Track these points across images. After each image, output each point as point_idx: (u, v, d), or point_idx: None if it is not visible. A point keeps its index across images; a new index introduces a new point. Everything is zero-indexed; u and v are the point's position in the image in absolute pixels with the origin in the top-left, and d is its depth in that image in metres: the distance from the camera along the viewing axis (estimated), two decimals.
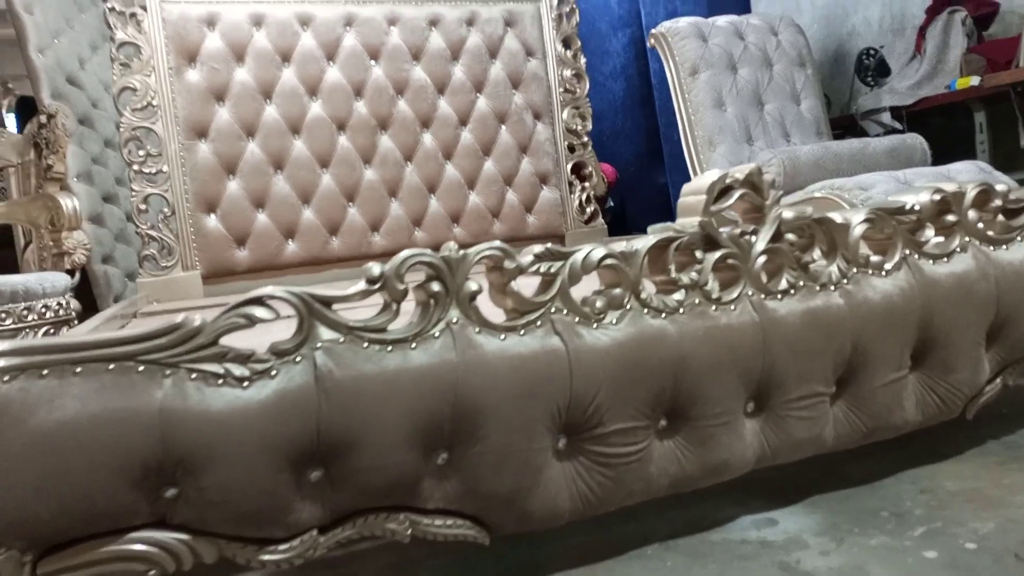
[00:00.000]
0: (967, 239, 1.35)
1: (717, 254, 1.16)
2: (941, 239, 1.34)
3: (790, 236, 1.21)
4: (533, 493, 1.02)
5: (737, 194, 1.18)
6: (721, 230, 1.17)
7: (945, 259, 1.32)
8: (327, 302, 0.91)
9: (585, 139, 3.19)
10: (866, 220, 1.26)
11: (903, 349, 1.28)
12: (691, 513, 1.25)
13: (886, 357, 1.26)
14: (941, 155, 2.96)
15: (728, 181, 1.17)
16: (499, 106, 3.00)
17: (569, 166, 3.15)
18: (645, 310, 1.10)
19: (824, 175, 2.61)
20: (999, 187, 1.39)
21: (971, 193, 1.35)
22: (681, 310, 1.12)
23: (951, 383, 1.33)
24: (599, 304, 1.08)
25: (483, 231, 2.97)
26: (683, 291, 1.13)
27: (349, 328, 0.91)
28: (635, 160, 4.24)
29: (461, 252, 1.00)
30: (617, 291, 1.09)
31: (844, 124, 3.59)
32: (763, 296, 1.18)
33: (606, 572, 1.09)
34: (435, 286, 0.97)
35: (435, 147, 2.91)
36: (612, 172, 4.08)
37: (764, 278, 1.19)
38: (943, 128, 3.36)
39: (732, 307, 1.16)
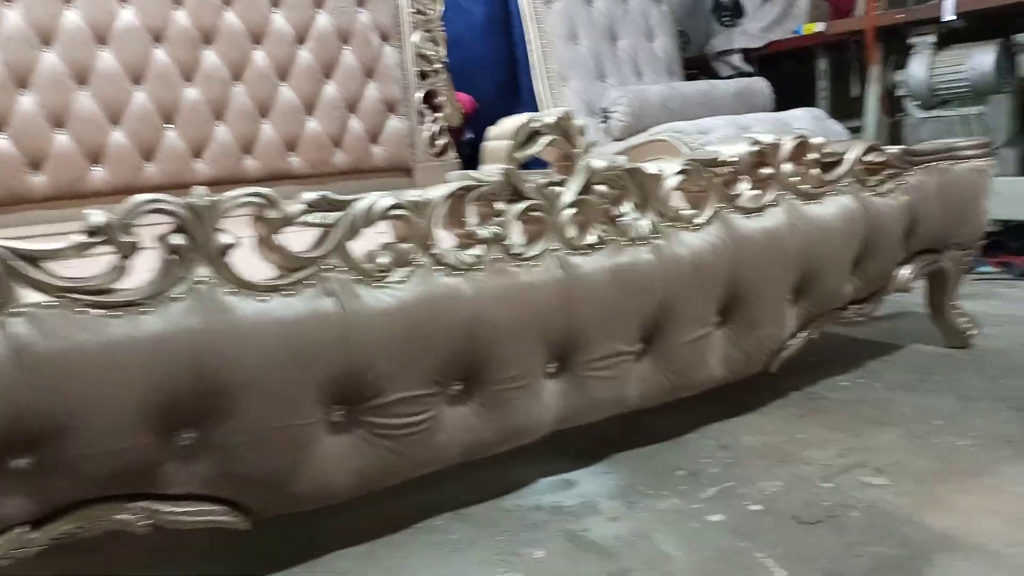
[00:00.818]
0: (781, 193, 1.33)
1: (521, 206, 1.08)
2: (756, 192, 1.32)
3: (600, 188, 1.14)
4: (300, 472, 0.93)
5: (545, 140, 1.09)
6: (527, 179, 1.09)
7: (758, 213, 1.30)
8: (32, 258, 0.76)
9: (438, 66, 3.01)
10: (680, 172, 1.21)
11: (710, 305, 1.26)
12: (489, 477, 1.20)
13: (693, 314, 1.24)
14: (786, 100, 3.00)
15: (535, 126, 1.08)
16: (342, 24, 2.78)
17: (420, 94, 2.97)
18: (437, 267, 1.01)
19: (671, 116, 2.58)
20: (816, 140, 1.37)
21: (787, 146, 1.33)
22: (479, 267, 1.04)
23: (756, 338, 1.33)
24: (383, 260, 0.97)
25: (323, 160, 2.78)
26: (482, 246, 1.05)
27: (60, 289, 0.77)
28: (495, 90, 4.10)
29: (210, 198, 0.86)
30: (405, 246, 0.99)
31: (699, 65, 3.59)
32: (569, 251, 1.12)
33: (386, 549, 1.02)
34: (177, 238, 0.84)
35: (268, 65, 2.66)
36: (470, 102, 3.92)
37: (571, 232, 1.13)
38: (792, 73, 3.41)
39: (535, 263, 1.08)
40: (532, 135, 1.09)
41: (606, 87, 2.84)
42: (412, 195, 1.00)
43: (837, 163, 1.41)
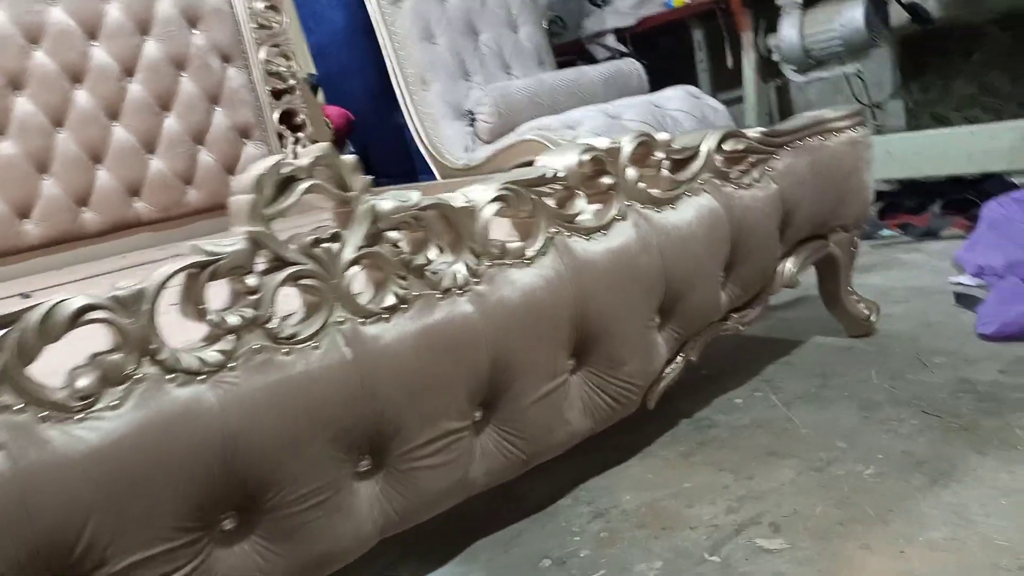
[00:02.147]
0: (627, 203, 1.12)
1: (282, 275, 0.83)
2: (597, 208, 1.10)
3: (393, 234, 0.91)
4: None
5: (303, 187, 0.85)
6: (291, 240, 0.85)
7: (602, 232, 1.08)
8: None
9: (292, 82, 2.74)
10: (497, 199, 0.98)
11: (558, 351, 1.04)
12: None
13: (538, 365, 1.01)
14: (666, 78, 2.82)
15: (287, 171, 0.84)
16: (174, 49, 2.48)
17: (276, 115, 2.69)
18: (169, 376, 0.76)
19: (541, 111, 2.36)
20: (660, 136, 1.16)
21: (627, 148, 1.11)
22: (231, 365, 0.79)
23: (622, 378, 1.11)
24: (84, 383, 0.72)
25: (173, 202, 2.47)
26: (231, 337, 0.80)
27: None
28: (370, 99, 3.82)
29: None
30: (116, 356, 0.74)
31: (576, 50, 3.39)
32: (361, 321, 0.88)
33: None
34: None
35: (95, 105, 2.35)
36: (342, 115, 3.65)
37: (362, 296, 0.89)
38: (669, 49, 3.23)
39: (313, 345, 0.84)
40: (286, 183, 0.84)
41: (471, 86, 2.60)
42: (121, 288, 0.75)
43: (691, 158, 1.20)
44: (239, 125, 2.59)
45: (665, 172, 1.16)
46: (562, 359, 1.04)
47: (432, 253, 0.93)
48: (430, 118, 2.51)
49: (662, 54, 3.19)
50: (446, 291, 0.94)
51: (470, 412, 0.96)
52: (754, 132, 1.27)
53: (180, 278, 0.77)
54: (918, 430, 1.12)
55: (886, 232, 2.21)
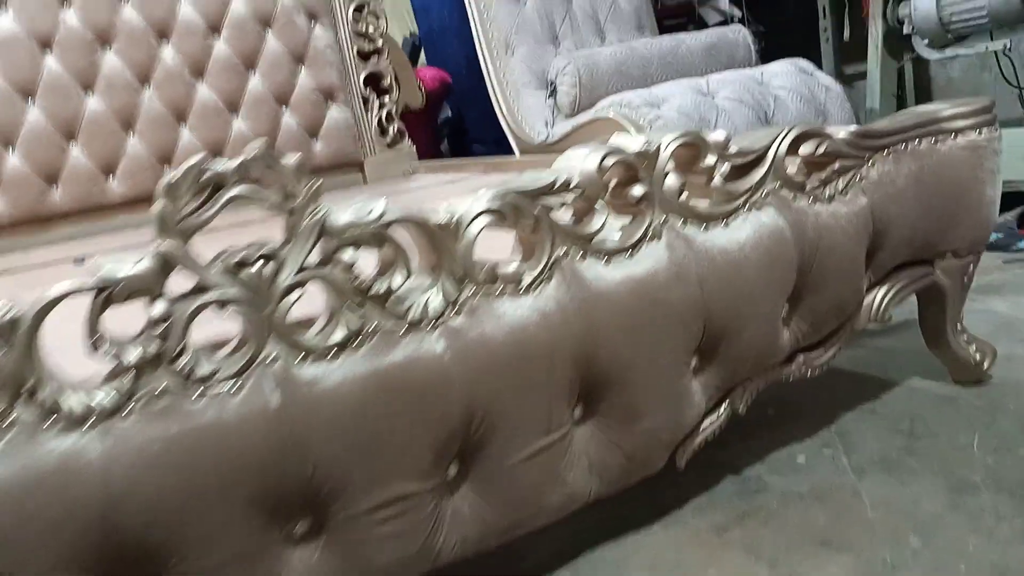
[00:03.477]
0: (663, 219, 0.90)
1: (197, 302, 0.68)
2: (625, 221, 0.89)
3: (347, 254, 0.74)
4: None
5: (231, 194, 0.69)
6: (216, 258, 0.69)
7: (626, 255, 0.87)
8: None
9: (379, 43, 2.61)
10: (487, 212, 0.80)
11: (554, 401, 0.85)
12: None
13: (525, 418, 0.83)
14: (786, 49, 2.50)
15: (210, 176, 0.68)
16: (261, 5, 2.39)
17: (362, 77, 2.58)
18: (47, 424, 0.63)
19: (630, 83, 2.12)
20: (713, 135, 0.93)
21: (667, 150, 0.89)
22: (125, 411, 0.66)
23: (642, 432, 0.91)
24: None
25: None
26: (131, 375, 0.66)
27: None
28: (467, 62, 3.64)
29: None
30: None
31: (685, 12, 3.08)
32: (298, 360, 0.72)
33: None
34: None
35: (180, 63, 2.30)
36: (437, 78, 3.49)
37: (302, 330, 0.73)
38: (794, 15, 2.88)
39: (233, 388, 0.69)
40: (215, 189, 0.69)
41: (560, 52, 2.38)
42: None
43: (755, 164, 0.96)
44: (323, 86, 2.49)
45: (719, 181, 0.93)
46: (561, 410, 0.85)
47: (398, 278, 0.76)
48: (512, 87, 2.31)
49: (785, 20, 2.84)
50: (413, 324, 0.76)
51: (436, 472, 0.79)
52: (843, 132, 1.01)
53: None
54: (1020, 534, 0.86)
55: None
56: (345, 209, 0.73)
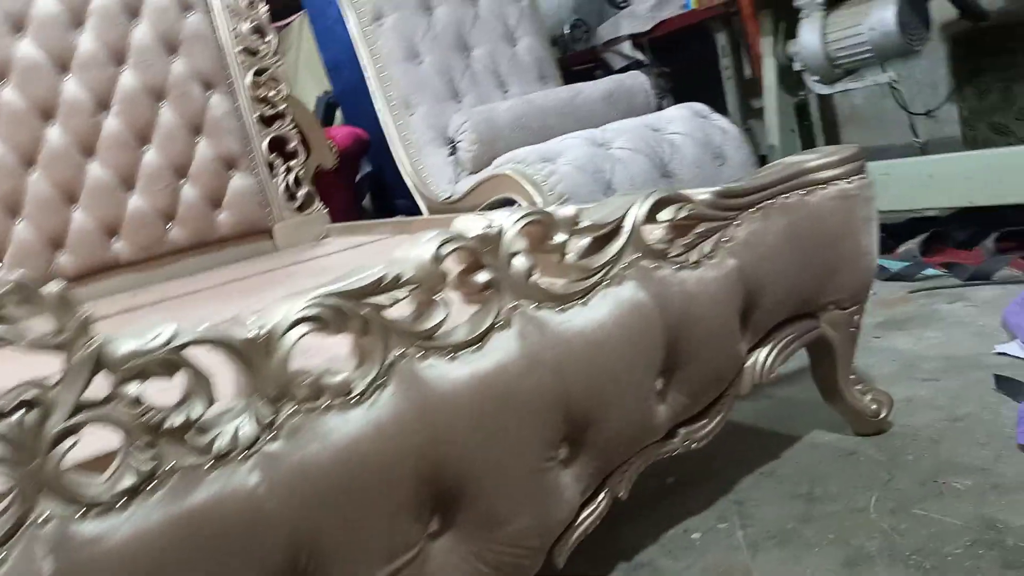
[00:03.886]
0: (513, 305, 0.83)
1: None
2: (473, 311, 0.82)
3: (131, 387, 0.65)
4: None
5: None
6: None
7: (473, 349, 0.80)
8: None
9: (281, 107, 2.54)
10: (304, 321, 0.72)
11: (399, 520, 0.76)
12: None
13: (365, 543, 0.74)
14: (687, 88, 2.50)
15: None
16: (152, 78, 2.31)
17: (265, 143, 2.50)
18: None
19: (529, 136, 2.08)
20: (563, 212, 0.87)
21: (511, 231, 0.83)
22: None
23: (507, 538, 0.83)
24: None
25: (155, 241, 2.30)
26: None
27: None
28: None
29: None
30: None
31: (593, 58, 3.08)
32: (77, 517, 0.63)
33: None
34: None
35: (67, 142, 2.20)
36: (351, 135, 3.43)
37: (82, 481, 0.64)
38: (695, 56, 2.89)
39: None
40: None
41: (461, 108, 2.34)
42: None
43: (611, 236, 0.91)
44: (224, 155, 2.41)
45: (572, 257, 0.87)
46: (409, 528, 0.76)
47: (198, 407, 0.67)
48: (415, 145, 2.26)
49: (688, 62, 2.85)
50: (221, 457, 0.67)
51: None
52: (704, 194, 0.96)
53: None
54: None
55: (930, 271, 1.84)
56: (127, 336, 0.64)
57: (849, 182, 1.05)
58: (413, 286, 0.76)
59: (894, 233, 2.05)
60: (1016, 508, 0.92)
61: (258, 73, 2.49)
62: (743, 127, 2.60)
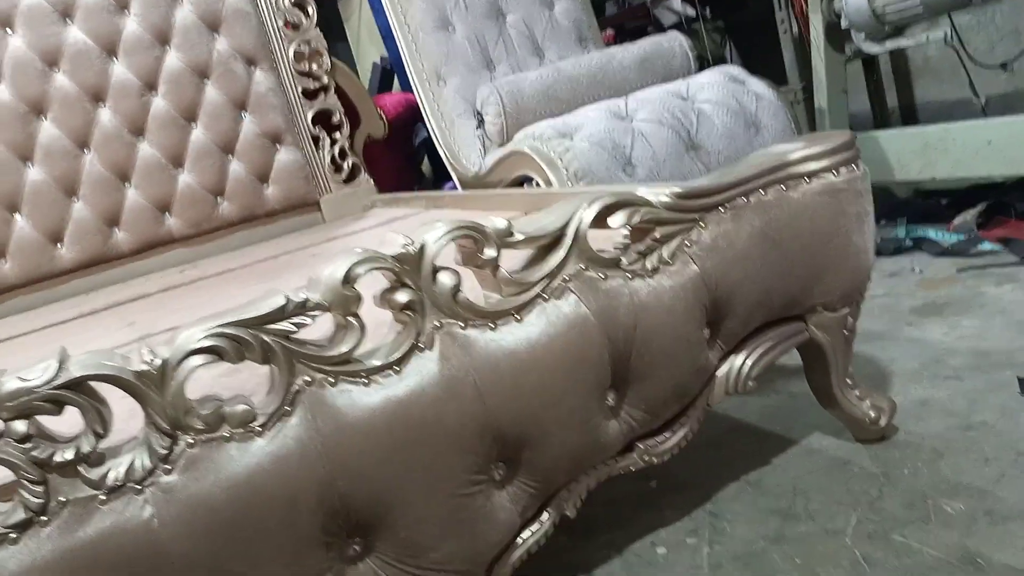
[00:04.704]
0: (438, 324, 0.79)
1: None
2: (399, 330, 0.79)
3: (19, 425, 0.65)
4: None
5: None
6: None
7: (390, 372, 0.77)
8: None
9: (325, 80, 2.55)
10: (202, 352, 0.70)
11: (305, 551, 0.74)
12: None
13: None
14: (744, 44, 2.34)
15: None
16: (196, 58, 2.35)
17: (309, 116, 2.52)
18: None
19: (559, 107, 2.00)
20: (494, 224, 0.81)
21: (432, 248, 0.78)
22: None
23: (431, 565, 0.81)
24: None
25: (205, 217, 2.37)
26: None
27: None
28: None
29: None
30: None
31: (643, 14, 2.92)
32: None
33: None
34: None
35: (117, 124, 2.27)
36: (402, 103, 3.41)
37: None
38: (751, 9, 2.70)
39: None
40: None
41: (496, 77, 2.27)
42: None
43: (554, 245, 0.85)
44: (268, 131, 2.43)
45: (505, 272, 0.82)
46: (320, 556, 0.75)
47: (89, 440, 0.67)
48: (447, 118, 2.21)
49: (744, 16, 2.67)
50: (115, 490, 0.67)
51: None
52: (662, 195, 0.89)
53: None
54: None
55: (986, 245, 1.67)
56: (11, 374, 0.64)
57: (837, 175, 0.94)
58: (320, 311, 0.73)
59: (954, 203, 1.87)
60: (1004, 540, 0.83)
61: (299, 48, 2.49)
62: (801, 87, 2.42)
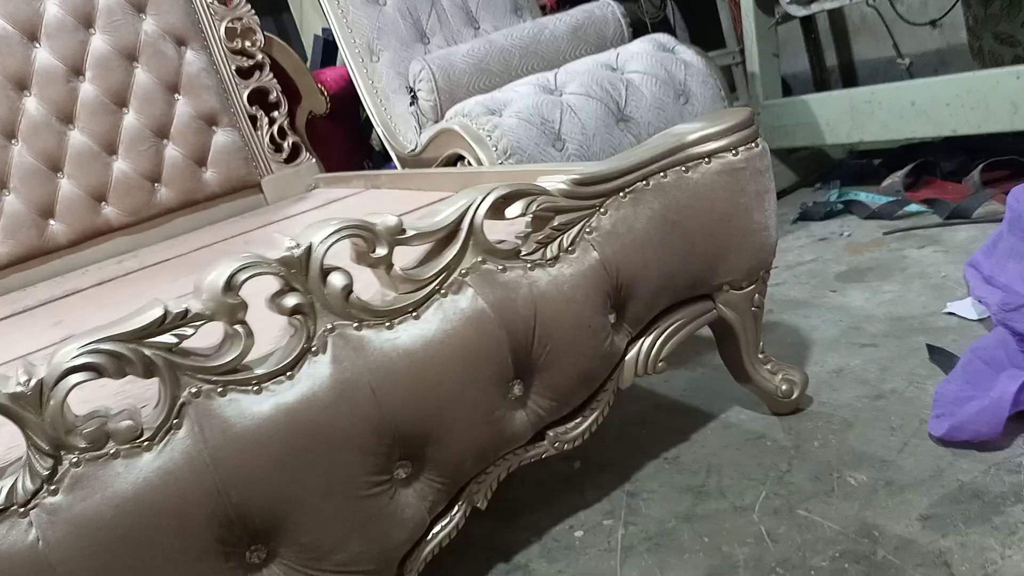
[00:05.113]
0: (330, 327, 0.78)
1: None
2: (287, 340, 0.78)
3: None
4: None
5: None
6: None
7: (282, 379, 0.76)
8: None
9: (260, 57, 2.49)
10: (76, 370, 0.68)
11: (201, 562, 0.74)
12: None
13: None
14: (686, 12, 2.32)
15: None
16: (123, 40, 2.28)
17: (245, 95, 2.47)
18: None
19: (491, 81, 1.98)
20: (384, 221, 0.80)
21: (319, 250, 0.77)
22: None
23: (336, 567, 0.81)
24: None
25: (143, 204, 2.32)
26: None
27: None
28: None
29: None
30: None
31: None
32: None
33: None
34: None
35: (45, 112, 2.20)
36: (345, 77, 3.34)
37: None
38: None
39: None
40: None
41: (428, 51, 2.23)
42: None
43: (448, 239, 0.84)
44: (204, 112, 2.38)
45: (397, 270, 0.81)
46: (219, 567, 0.75)
47: None
48: (382, 94, 2.17)
49: None
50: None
51: None
52: (559, 182, 0.88)
53: None
54: None
55: (913, 207, 1.69)
56: None
57: (735, 154, 0.94)
58: (203, 321, 0.72)
59: (886, 163, 1.89)
60: (899, 512, 0.85)
61: (231, 25, 2.42)
62: (738, 50, 2.41)
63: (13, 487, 0.67)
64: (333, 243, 0.77)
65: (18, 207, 2.19)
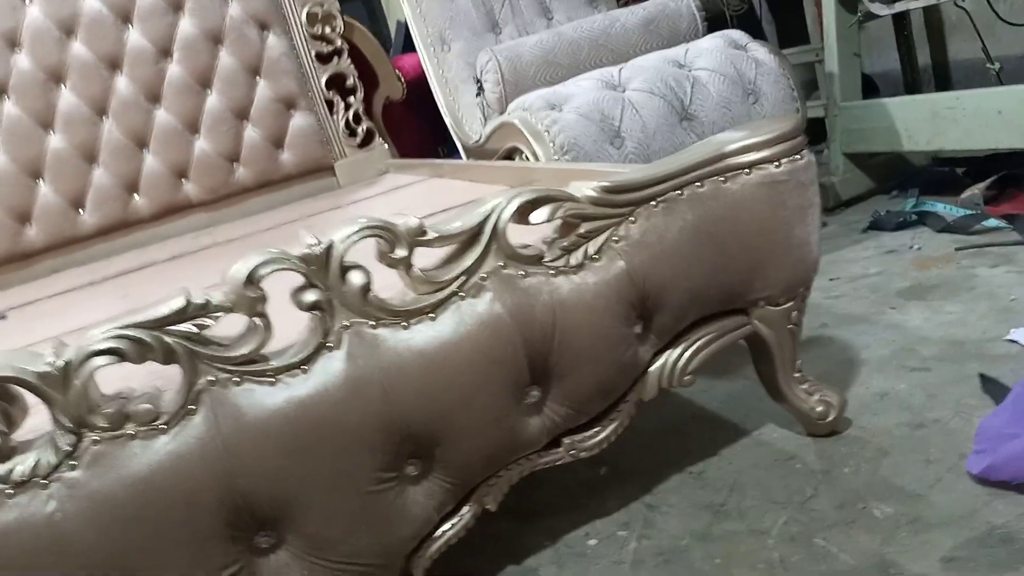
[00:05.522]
0: (347, 324, 0.80)
1: None
2: (305, 334, 0.80)
3: None
4: None
5: None
6: None
7: (297, 372, 0.78)
8: None
9: (338, 43, 2.54)
10: (102, 353, 0.72)
11: (208, 546, 0.76)
12: None
13: (162, 571, 0.76)
14: (775, 6, 2.25)
15: None
16: (209, 23, 2.36)
17: (323, 81, 2.53)
18: None
19: (558, 74, 1.96)
20: (406, 222, 0.81)
21: (340, 247, 0.78)
22: None
23: (342, 559, 0.83)
24: None
25: (222, 183, 2.41)
26: None
27: None
28: None
29: None
30: None
31: None
32: None
33: None
34: None
35: (134, 91, 2.31)
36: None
37: None
38: None
39: None
40: None
41: (502, 40, 2.23)
42: None
43: (471, 242, 0.84)
44: (283, 95, 2.45)
45: (418, 271, 0.82)
46: (226, 550, 0.77)
47: None
48: (452, 84, 2.19)
49: None
50: (21, 484, 0.71)
51: None
52: (588, 189, 0.87)
53: None
54: None
55: (992, 222, 1.60)
56: None
57: (778, 166, 0.90)
58: (223, 312, 0.74)
59: (970, 173, 1.78)
60: (921, 550, 0.81)
61: (312, 11, 2.48)
62: (822, 47, 2.31)
63: (38, 460, 0.71)
64: (354, 242, 0.78)
65: (106, 180, 2.30)
